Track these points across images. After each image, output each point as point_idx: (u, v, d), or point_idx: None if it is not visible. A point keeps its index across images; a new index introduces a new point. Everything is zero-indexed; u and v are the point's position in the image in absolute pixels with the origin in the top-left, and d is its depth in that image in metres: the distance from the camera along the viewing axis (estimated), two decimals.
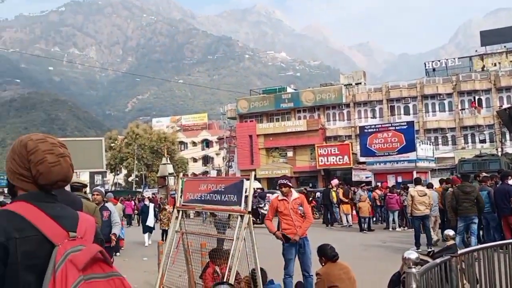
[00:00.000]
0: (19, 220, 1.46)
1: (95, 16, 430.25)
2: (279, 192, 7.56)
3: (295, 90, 57.24)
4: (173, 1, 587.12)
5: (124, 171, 63.54)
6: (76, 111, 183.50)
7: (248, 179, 5.69)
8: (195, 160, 72.10)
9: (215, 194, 6.01)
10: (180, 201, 6.47)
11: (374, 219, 20.34)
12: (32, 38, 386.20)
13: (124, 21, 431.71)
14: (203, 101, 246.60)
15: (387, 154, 28.56)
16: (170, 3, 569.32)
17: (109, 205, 8.51)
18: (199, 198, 6.19)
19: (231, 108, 56.46)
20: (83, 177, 52.73)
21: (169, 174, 30.51)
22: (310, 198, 22.41)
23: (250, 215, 5.60)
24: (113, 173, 63.77)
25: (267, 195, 25.99)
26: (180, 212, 6.45)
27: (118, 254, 12.96)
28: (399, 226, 18.42)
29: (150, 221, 17.02)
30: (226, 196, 5.87)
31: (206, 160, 73.22)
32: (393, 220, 18.42)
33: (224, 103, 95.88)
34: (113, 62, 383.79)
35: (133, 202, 32.13)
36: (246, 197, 5.70)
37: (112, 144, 60.10)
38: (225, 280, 5.21)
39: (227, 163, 52.19)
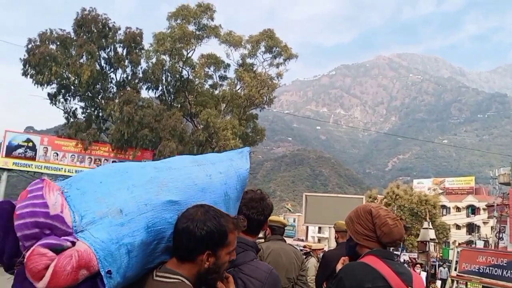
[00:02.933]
0: (372, 271, 1.81)
1: (362, 78, 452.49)
2: None
3: None
4: (441, 59, 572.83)
5: None
6: (338, 168, 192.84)
7: None
8: (458, 227, 66.57)
9: (496, 268, 5.54)
10: (455, 270, 6.17)
11: None
12: (305, 100, 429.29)
13: (390, 82, 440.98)
14: (470, 163, 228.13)
15: None
16: (438, 62, 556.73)
17: None
18: (476, 270, 5.81)
19: (505, 173, 50.57)
20: None
21: (431, 239, 28.99)
22: None
23: None
24: None
25: None
26: (455, 282, 6.13)
27: None
28: None
29: None
30: (509, 272, 5.35)
31: (471, 228, 66.71)
32: None
33: (494, 166, 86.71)
34: (376, 121, 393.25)
35: None
36: None
37: None
38: None
39: (497, 234, 46.34)
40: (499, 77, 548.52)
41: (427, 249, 28.91)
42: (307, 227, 64.46)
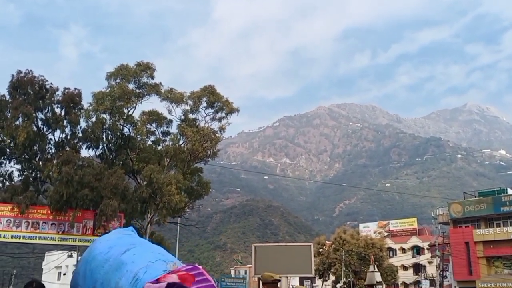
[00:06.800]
0: None
1: (305, 128, 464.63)
2: None
3: None
4: (378, 108, 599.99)
5: (332, 277, 63.29)
6: (287, 216, 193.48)
7: None
8: (405, 268, 68.08)
9: None
10: None
11: None
12: (251, 151, 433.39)
13: (331, 130, 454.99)
14: (412, 205, 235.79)
15: None
16: (375, 110, 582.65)
17: None
18: None
19: (443, 213, 52.86)
20: (293, 281, 54.16)
21: (377, 282, 29.49)
22: None
23: None
24: (322, 279, 64.04)
25: None
26: None
27: None
28: None
29: None
30: None
31: (418, 268, 68.39)
32: None
33: (435, 206, 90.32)
34: (321, 169, 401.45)
35: None
36: None
37: (320, 250, 61.09)
38: None
39: (441, 273, 47.81)
40: (433, 122, 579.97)
41: None
42: (258, 279, 63.66)
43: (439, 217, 53.86)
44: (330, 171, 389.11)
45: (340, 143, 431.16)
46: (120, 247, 2.28)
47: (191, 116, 33.18)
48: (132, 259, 2.16)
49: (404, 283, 64.26)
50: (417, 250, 69.93)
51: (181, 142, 32.72)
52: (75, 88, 28.32)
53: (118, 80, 29.22)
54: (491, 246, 44.74)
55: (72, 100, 27.23)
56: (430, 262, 64.45)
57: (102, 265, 2.22)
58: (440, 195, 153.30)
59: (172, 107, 32.24)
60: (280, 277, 5.40)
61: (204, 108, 33.13)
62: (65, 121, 27.38)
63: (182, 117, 32.98)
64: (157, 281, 2.01)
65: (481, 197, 49.63)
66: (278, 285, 5.37)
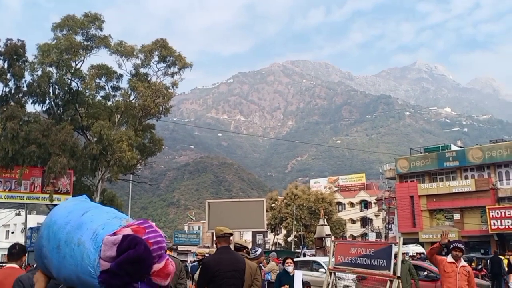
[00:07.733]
0: None
1: (259, 85, 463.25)
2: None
3: (461, 147, 53.65)
4: (331, 65, 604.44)
5: (284, 231, 65.14)
6: (241, 173, 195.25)
7: (396, 244, 5.76)
8: (353, 221, 70.80)
9: (365, 258, 6.17)
10: (332, 263, 6.74)
11: None
12: (205, 108, 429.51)
13: (285, 88, 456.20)
14: (361, 161, 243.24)
15: None
16: (328, 68, 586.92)
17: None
18: (349, 261, 6.41)
19: (390, 168, 54.89)
20: (246, 236, 55.36)
21: (326, 235, 30.74)
22: (480, 266, 20.52)
23: (400, 280, 5.63)
24: (274, 233, 65.80)
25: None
26: (332, 274, 6.71)
27: None
28: None
29: None
30: (376, 260, 5.99)
31: (365, 221, 71.34)
32: None
33: (383, 162, 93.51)
34: (274, 126, 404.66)
35: None
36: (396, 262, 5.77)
37: (273, 205, 62.40)
38: None
39: (387, 225, 50.21)
40: (383, 80, 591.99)
41: (323, 245, 30.53)
42: (212, 234, 64.59)
43: (386, 173, 55.92)
44: (283, 128, 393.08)
45: (294, 100, 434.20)
46: (78, 211, 2.64)
47: (142, 70, 32.26)
48: (91, 219, 2.54)
49: (352, 236, 67.02)
50: (365, 204, 72.68)
51: (132, 97, 31.86)
52: (19, 39, 26.79)
53: (64, 32, 27.80)
54: (434, 200, 47.05)
55: (15, 52, 25.78)
56: (376, 216, 67.32)
57: (64, 227, 2.57)
58: (388, 152, 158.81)
59: (122, 61, 31.16)
60: (233, 231, 5.51)
61: (156, 63, 32.26)
62: (8, 74, 26.00)
63: (133, 71, 32.01)
64: (114, 234, 2.37)
65: (427, 153, 51.67)
66: (231, 239, 5.47)
